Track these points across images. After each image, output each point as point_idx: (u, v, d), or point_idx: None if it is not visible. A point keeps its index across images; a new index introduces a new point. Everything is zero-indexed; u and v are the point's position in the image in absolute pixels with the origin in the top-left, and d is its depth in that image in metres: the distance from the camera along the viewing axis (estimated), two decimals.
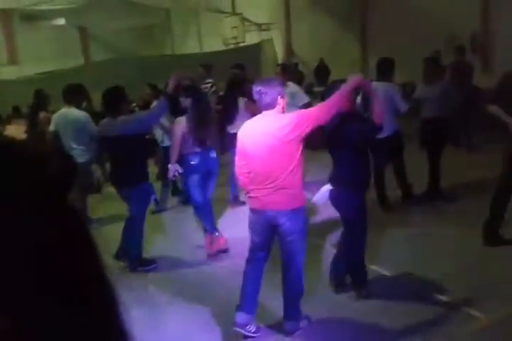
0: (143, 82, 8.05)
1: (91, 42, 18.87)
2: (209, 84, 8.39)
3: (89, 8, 15.74)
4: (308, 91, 9.55)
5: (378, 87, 5.01)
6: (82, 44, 18.94)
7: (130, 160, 4.55)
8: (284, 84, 6.73)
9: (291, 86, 6.63)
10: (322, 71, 11.89)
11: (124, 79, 8.64)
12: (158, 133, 6.57)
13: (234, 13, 15.70)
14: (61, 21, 17.87)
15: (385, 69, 5.65)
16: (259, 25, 15.19)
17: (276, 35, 14.72)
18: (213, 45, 16.26)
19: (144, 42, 18.60)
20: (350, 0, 11.85)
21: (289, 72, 7.55)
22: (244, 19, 15.15)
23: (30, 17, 17.48)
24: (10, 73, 15.21)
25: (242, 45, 15.27)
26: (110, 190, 5.68)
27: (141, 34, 18.70)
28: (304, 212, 3.44)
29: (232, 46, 15.65)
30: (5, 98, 10.67)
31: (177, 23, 19.33)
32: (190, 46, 18.24)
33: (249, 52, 14.30)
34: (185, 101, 4.89)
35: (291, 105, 5.43)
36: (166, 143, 6.33)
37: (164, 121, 5.97)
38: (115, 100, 4.59)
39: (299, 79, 12.24)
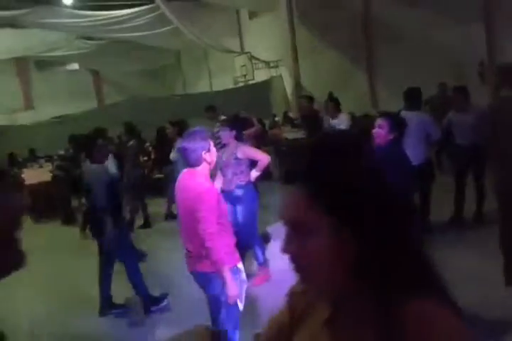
0: (156, 121, 8.19)
1: (104, 85, 19.37)
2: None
3: (101, 52, 16.27)
4: None
5: (410, 116, 4.98)
6: (95, 87, 19.44)
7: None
8: (335, 115, 6.84)
9: (343, 116, 6.65)
10: (332, 105, 11.94)
11: (137, 119, 8.80)
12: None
13: (242, 52, 16.06)
14: (74, 66, 18.42)
15: (414, 99, 5.70)
16: (267, 63, 15.49)
17: (284, 71, 14.96)
18: (223, 83, 16.56)
19: (155, 83, 19.04)
20: (356, 34, 12.06)
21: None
22: (252, 57, 15.47)
23: (45, 63, 18.07)
24: (26, 118, 15.60)
25: (251, 82, 15.53)
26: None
27: (153, 75, 19.16)
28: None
29: (241, 84, 15.92)
30: (21, 143, 10.91)
31: (187, 64, 19.80)
32: (201, 85, 18.60)
33: (258, 89, 14.52)
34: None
35: None
36: None
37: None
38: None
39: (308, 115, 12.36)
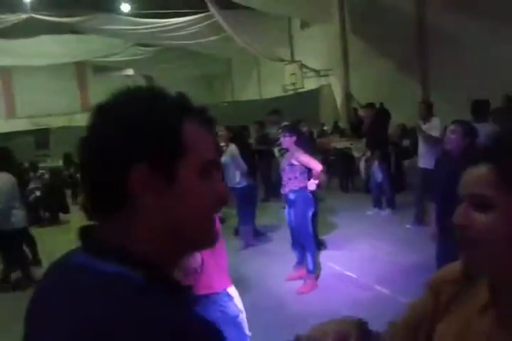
0: None
1: None
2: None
3: (155, 58, 16.75)
4: None
5: (478, 127, 4.95)
6: None
7: None
8: (427, 119, 6.70)
9: (435, 120, 6.60)
10: (424, 108, 11.72)
11: None
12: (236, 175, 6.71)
13: (293, 61, 16.16)
14: (130, 71, 19.02)
15: (482, 111, 5.75)
16: (317, 72, 15.51)
17: (334, 80, 14.95)
18: (272, 91, 16.69)
19: (205, 90, 19.39)
20: (410, 44, 11.93)
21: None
22: (302, 66, 15.54)
23: (102, 68, 18.77)
24: (84, 120, 16.16)
25: (300, 90, 15.59)
26: None
27: (204, 82, 19.54)
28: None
29: (290, 92, 16.01)
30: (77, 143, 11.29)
31: (237, 71, 20.09)
32: (250, 93, 18.82)
33: (307, 98, 14.57)
34: None
35: None
36: (243, 183, 6.57)
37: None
38: None
39: (358, 124, 12.30)
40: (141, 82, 19.69)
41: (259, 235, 7.04)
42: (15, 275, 6.10)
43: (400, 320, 1.10)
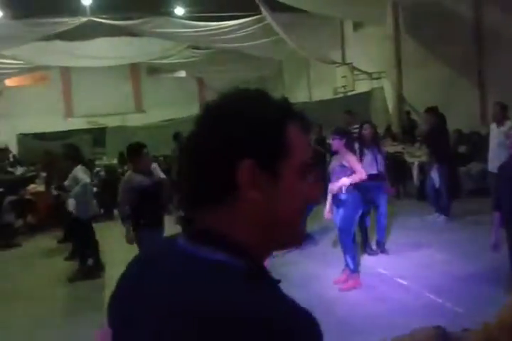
0: None
1: (207, 92, 20.19)
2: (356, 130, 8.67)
3: (207, 61, 16.99)
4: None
5: None
6: (200, 93, 20.32)
7: None
8: (501, 123, 6.57)
9: (509, 124, 6.45)
10: (499, 110, 11.36)
11: None
12: None
13: (344, 63, 16.00)
14: (182, 73, 19.38)
15: None
16: (369, 74, 15.29)
17: (386, 83, 14.69)
18: (323, 94, 16.59)
19: None
20: (465, 45, 11.59)
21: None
22: (354, 68, 15.36)
23: (156, 70, 19.23)
24: (137, 120, 16.66)
25: (351, 93, 15.42)
26: None
27: (255, 84, 19.64)
28: None
29: (341, 95, 15.85)
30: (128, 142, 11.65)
31: (288, 73, 20.09)
32: (301, 95, 18.76)
33: (359, 100, 14.38)
34: None
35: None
36: None
37: None
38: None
39: (411, 127, 12.03)
40: (192, 84, 20.06)
41: (307, 238, 7.04)
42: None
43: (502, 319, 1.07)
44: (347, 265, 5.21)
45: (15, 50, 13.42)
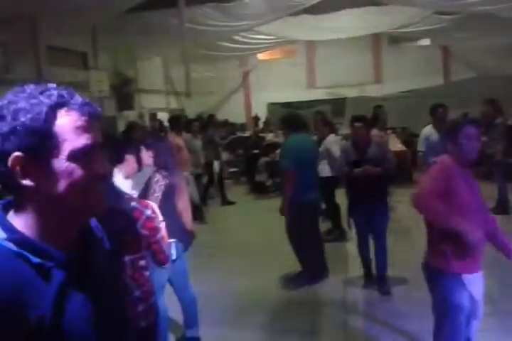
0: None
1: (452, 61, 18.95)
2: None
3: (455, 27, 15.86)
4: None
5: None
6: (444, 63, 19.20)
7: None
8: None
9: None
10: None
11: (482, 97, 8.46)
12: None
13: None
14: (426, 42, 18.55)
15: None
16: None
17: None
18: None
19: (509, 60, 17.50)
20: None
21: None
22: None
23: (397, 39, 18.79)
24: (375, 90, 16.73)
25: None
26: None
27: (506, 51, 17.65)
28: None
29: None
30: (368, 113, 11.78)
31: None
32: None
33: None
34: None
35: None
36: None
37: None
38: None
39: None
40: (436, 53, 19.01)
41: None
42: None
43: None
44: None
45: (268, 25, 14.60)
